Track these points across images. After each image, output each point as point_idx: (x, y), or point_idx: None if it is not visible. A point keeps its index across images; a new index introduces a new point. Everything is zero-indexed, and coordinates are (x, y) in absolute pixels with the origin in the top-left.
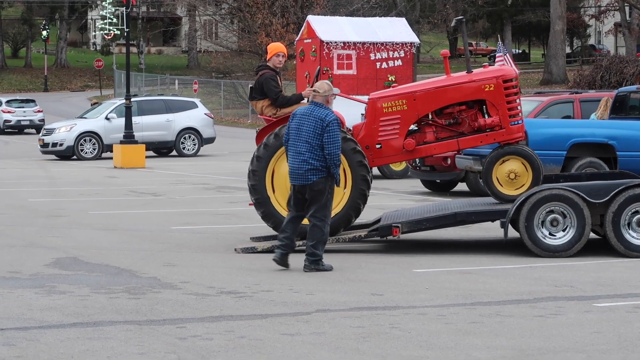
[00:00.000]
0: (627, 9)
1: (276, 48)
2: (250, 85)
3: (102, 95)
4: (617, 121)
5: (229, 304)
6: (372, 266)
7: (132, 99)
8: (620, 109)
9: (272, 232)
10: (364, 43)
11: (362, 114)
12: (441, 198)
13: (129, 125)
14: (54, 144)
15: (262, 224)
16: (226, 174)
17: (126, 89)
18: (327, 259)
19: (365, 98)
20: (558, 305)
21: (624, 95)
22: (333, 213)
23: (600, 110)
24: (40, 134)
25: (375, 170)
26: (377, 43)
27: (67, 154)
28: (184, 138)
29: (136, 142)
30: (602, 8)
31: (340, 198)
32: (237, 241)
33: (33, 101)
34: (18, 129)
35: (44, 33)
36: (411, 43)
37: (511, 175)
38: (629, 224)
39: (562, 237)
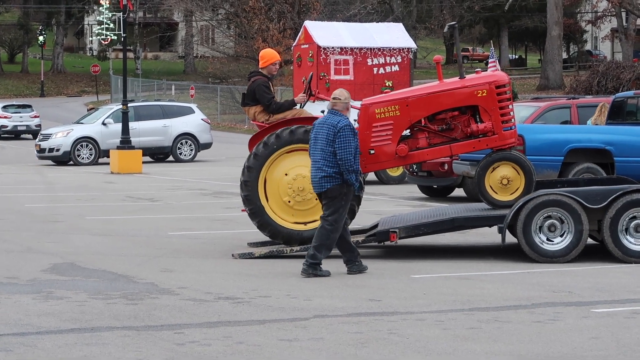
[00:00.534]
0: (623, 14)
1: (273, 57)
2: (242, 92)
3: (98, 101)
4: (615, 127)
5: (227, 310)
6: (369, 272)
7: (129, 105)
8: (618, 114)
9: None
10: (361, 48)
11: (354, 120)
12: (438, 204)
13: (125, 130)
14: (51, 150)
15: None
16: (223, 179)
17: (123, 94)
18: (325, 264)
19: (358, 104)
20: (556, 311)
21: (621, 100)
22: (310, 227)
23: (595, 116)
24: (37, 140)
25: (372, 176)
26: (374, 48)
27: (64, 159)
28: (181, 143)
29: (133, 148)
30: (599, 14)
31: (314, 220)
32: (235, 247)
33: (30, 106)
34: (14, 135)
35: (41, 38)
36: (408, 48)
37: (504, 181)
38: (626, 230)
39: (559, 243)
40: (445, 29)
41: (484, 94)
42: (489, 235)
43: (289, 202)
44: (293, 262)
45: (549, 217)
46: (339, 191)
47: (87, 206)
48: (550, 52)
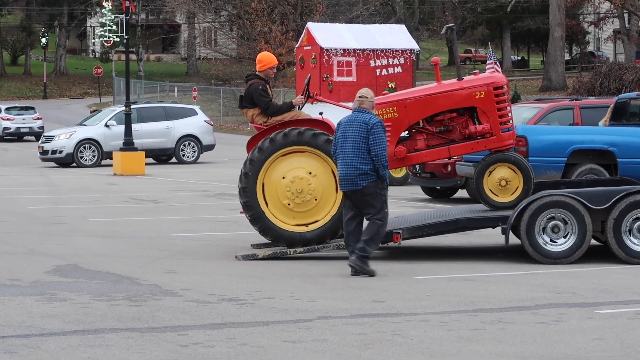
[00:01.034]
0: (626, 15)
1: (271, 60)
2: (240, 94)
3: (101, 103)
4: (618, 128)
5: (231, 311)
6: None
7: (132, 106)
8: (620, 115)
9: None
10: (363, 50)
11: None
12: (441, 205)
13: (128, 132)
14: (54, 151)
15: None
16: (226, 180)
17: (126, 96)
18: (328, 266)
19: None
20: (560, 312)
21: (623, 101)
22: (322, 222)
23: (606, 117)
24: (40, 142)
25: None
26: (376, 50)
27: (67, 161)
28: (184, 145)
29: (136, 149)
30: (601, 15)
31: (329, 208)
32: (238, 248)
33: (32, 108)
34: (17, 137)
35: (43, 40)
36: (411, 50)
37: (502, 183)
38: (630, 231)
39: (563, 244)
40: (443, 31)
41: (482, 96)
42: (492, 237)
43: (289, 204)
44: (296, 264)
45: (553, 218)
46: (374, 188)
47: (90, 208)
48: (553, 54)
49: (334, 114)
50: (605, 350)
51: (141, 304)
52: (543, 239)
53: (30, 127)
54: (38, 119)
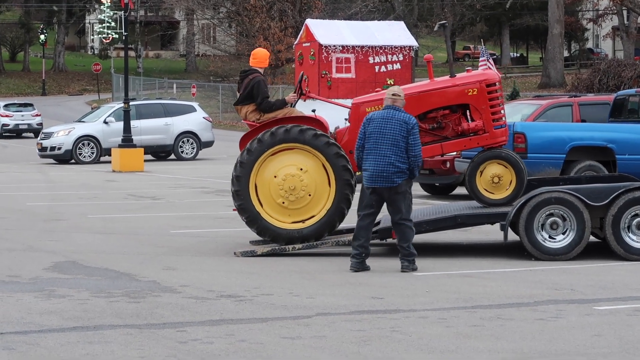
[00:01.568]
0: (625, 12)
1: (267, 56)
2: (236, 91)
3: (100, 99)
4: (616, 124)
5: (229, 308)
6: (372, 270)
7: (131, 103)
8: (619, 112)
9: None
10: (362, 46)
11: (345, 119)
12: (440, 201)
13: (127, 129)
14: (52, 148)
15: None
16: (225, 177)
17: (124, 92)
18: (327, 263)
19: (348, 102)
20: (559, 309)
21: (622, 98)
22: (318, 217)
23: None
24: (39, 138)
25: None
26: (375, 46)
27: (66, 157)
28: (183, 142)
29: (134, 146)
30: (600, 12)
31: (324, 203)
32: (237, 245)
33: (31, 105)
34: (16, 133)
35: (42, 37)
36: (410, 46)
37: (495, 180)
38: (628, 227)
39: (562, 240)
40: (436, 27)
41: (475, 93)
42: (491, 233)
43: (283, 203)
44: (295, 260)
45: (551, 214)
46: (405, 186)
47: (88, 204)
48: (552, 50)
49: (325, 111)
50: (604, 346)
51: (140, 300)
52: (542, 235)
53: (29, 124)
54: (37, 115)
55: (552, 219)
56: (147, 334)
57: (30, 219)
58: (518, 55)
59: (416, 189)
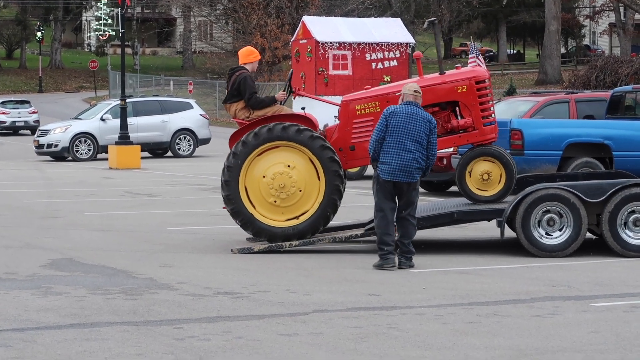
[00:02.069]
0: (621, 9)
1: (257, 54)
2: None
3: (97, 97)
4: (613, 121)
5: (226, 305)
6: (369, 266)
7: (127, 100)
8: (616, 109)
9: None
10: (359, 43)
11: (335, 116)
12: (437, 198)
13: (124, 126)
14: (49, 145)
15: None
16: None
17: (121, 90)
18: (324, 260)
19: (339, 100)
20: (555, 305)
21: (619, 95)
22: (311, 212)
23: None
24: (35, 135)
25: (370, 171)
26: (372, 43)
27: (62, 155)
28: (179, 139)
29: (131, 143)
30: (597, 8)
31: (315, 197)
32: (234, 242)
33: (28, 102)
34: (13, 130)
35: (39, 34)
36: (406, 43)
37: (484, 177)
38: (625, 224)
39: (558, 237)
40: (425, 25)
41: (464, 90)
42: (488, 230)
43: (275, 202)
44: (292, 257)
45: (548, 211)
46: (418, 183)
47: (85, 202)
48: (549, 47)
49: (314, 109)
50: (601, 343)
51: (137, 297)
52: (538, 232)
53: (25, 121)
54: (33, 112)
55: (548, 215)
56: (144, 331)
57: (27, 216)
58: (515, 52)
59: None
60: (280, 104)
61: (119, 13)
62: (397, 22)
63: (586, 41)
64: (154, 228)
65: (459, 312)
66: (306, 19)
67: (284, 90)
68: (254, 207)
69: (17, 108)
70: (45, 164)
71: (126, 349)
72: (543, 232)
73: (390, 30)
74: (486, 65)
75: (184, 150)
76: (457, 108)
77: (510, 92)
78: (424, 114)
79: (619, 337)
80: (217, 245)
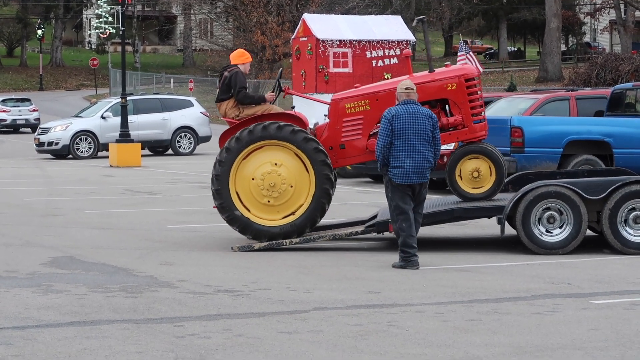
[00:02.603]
0: (622, 6)
1: (247, 57)
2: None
3: (97, 94)
4: (613, 118)
5: (227, 303)
6: (369, 264)
7: (128, 98)
8: (616, 106)
9: None
10: (359, 41)
11: (325, 115)
12: (437, 195)
13: (124, 124)
14: (50, 143)
15: None
16: None
17: (122, 87)
18: (324, 257)
19: (328, 98)
20: (555, 303)
21: (619, 92)
22: (306, 205)
23: None
24: (36, 133)
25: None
26: (373, 41)
27: (63, 153)
28: (180, 137)
29: (132, 141)
30: (598, 5)
31: (307, 189)
32: (234, 240)
33: (28, 100)
34: (13, 128)
35: (39, 32)
36: (407, 41)
37: (474, 174)
38: (625, 221)
39: (558, 234)
40: (414, 23)
41: (454, 88)
42: (488, 228)
43: (269, 201)
44: (292, 255)
45: (548, 208)
46: (428, 181)
47: (86, 200)
48: (549, 45)
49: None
50: (601, 340)
51: (137, 295)
52: (539, 229)
53: (26, 119)
54: (34, 110)
55: (549, 212)
56: (144, 329)
57: (27, 214)
58: (515, 49)
59: None
60: (271, 103)
61: (120, 11)
62: (398, 19)
63: (587, 38)
64: (155, 226)
65: (459, 309)
66: (307, 16)
67: (273, 91)
68: (248, 210)
69: (18, 106)
70: (45, 162)
71: (126, 347)
72: (543, 230)
73: (391, 27)
74: (479, 63)
75: (184, 148)
76: (447, 106)
77: (511, 90)
78: (425, 110)
79: (619, 334)
80: (217, 243)
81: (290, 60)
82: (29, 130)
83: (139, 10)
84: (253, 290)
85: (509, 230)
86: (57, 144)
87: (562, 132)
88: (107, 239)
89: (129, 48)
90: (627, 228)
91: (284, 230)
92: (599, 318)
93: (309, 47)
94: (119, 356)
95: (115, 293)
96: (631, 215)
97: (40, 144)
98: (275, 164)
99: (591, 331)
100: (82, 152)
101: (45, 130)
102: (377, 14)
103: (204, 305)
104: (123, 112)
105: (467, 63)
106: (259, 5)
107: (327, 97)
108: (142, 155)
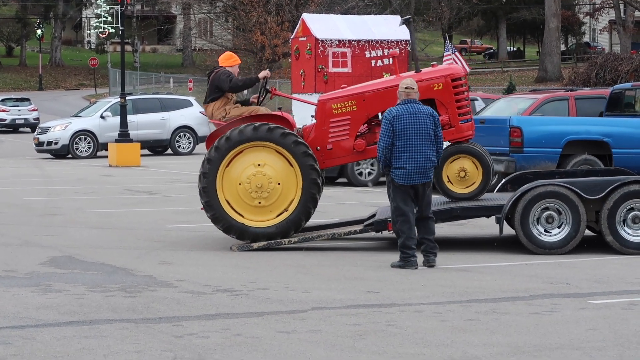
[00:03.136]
0: (621, 6)
1: (236, 59)
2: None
3: (96, 94)
4: (612, 118)
5: (225, 302)
6: (367, 264)
7: (127, 98)
8: (615, 106)
9: None
10: (359, 41)
11: (312, 116)
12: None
13: (124, 123)
14: (49, 143)
15: None
16: None
17: (121, 87)
18: (323, 257)
19: (315, 99)
20: (554, 303)
21: (618, 92)
22: (297, 199)
23: None
24: (35, 133)
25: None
26: (372, 41)
27: (62, 152)
28: (179, 136)
29: (131, 141)
30: (597, 5)
31: (295, 183)
32: (233, 239)
33: (28, 100)
34: (13, 128)
35: (39, 32)
36: (406, 41)
37: (461, 174)
38: (624, 221)
39: (557, 234)
40: (400, 23)
41: (440, 88)
42: (486, 228)
43: (260, 203)
44: (291, 254)
45: (547, 208)
46: (432, 181)
47: (85, 199)
48: (549, 44)
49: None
50: (599, 340)
51: (136, 295)
52: (537, 229)
53: (25, 119)
54: (33, 110)
55: (547, 212)
56: (143, 328)
57: (26, 213)
58: (515, 49)
59: None
60: (265, 85)
61: (119, 10)
62: (397, 19)
63: (586, 38)
64: (154, 226)
65: (457, 309)
66: (306, 16)
67: (259, 94)
68: (241, 216)
69: (17, 106)
70: (45, 162)
71: (125, 347)
72: (542, 229)
73: (390, 27)
74: (466, 62)
75: (183, 148)
76: (434, 106)
77: (510, 90)
78: (425, 109)
79: (617, 334)
80: (216, 242)
81: (290, 60)
82: (28, 129)
83: (138, 10)
84: (252, 290)
85: (508, 230)
86: (56, 143)
87: (561, 132)
88: (106, 238)
89: (128, 48)
90: (626, 228)
91: (280, 229)
92: (597, 318)
93: (308, 47)
94: (118, 355)
95: (114, 293)
96: (630, 215)
97: (39, 144)
98: (259, 165)
99: (589, 331)
100: (81, 151)
101: (45, 130)
102: (376, 14)
103: (203, 305)
104: (122, 111)
105: (453, 63)
106: (258, 5)
107: (314, 98)
108: (142, 155)
